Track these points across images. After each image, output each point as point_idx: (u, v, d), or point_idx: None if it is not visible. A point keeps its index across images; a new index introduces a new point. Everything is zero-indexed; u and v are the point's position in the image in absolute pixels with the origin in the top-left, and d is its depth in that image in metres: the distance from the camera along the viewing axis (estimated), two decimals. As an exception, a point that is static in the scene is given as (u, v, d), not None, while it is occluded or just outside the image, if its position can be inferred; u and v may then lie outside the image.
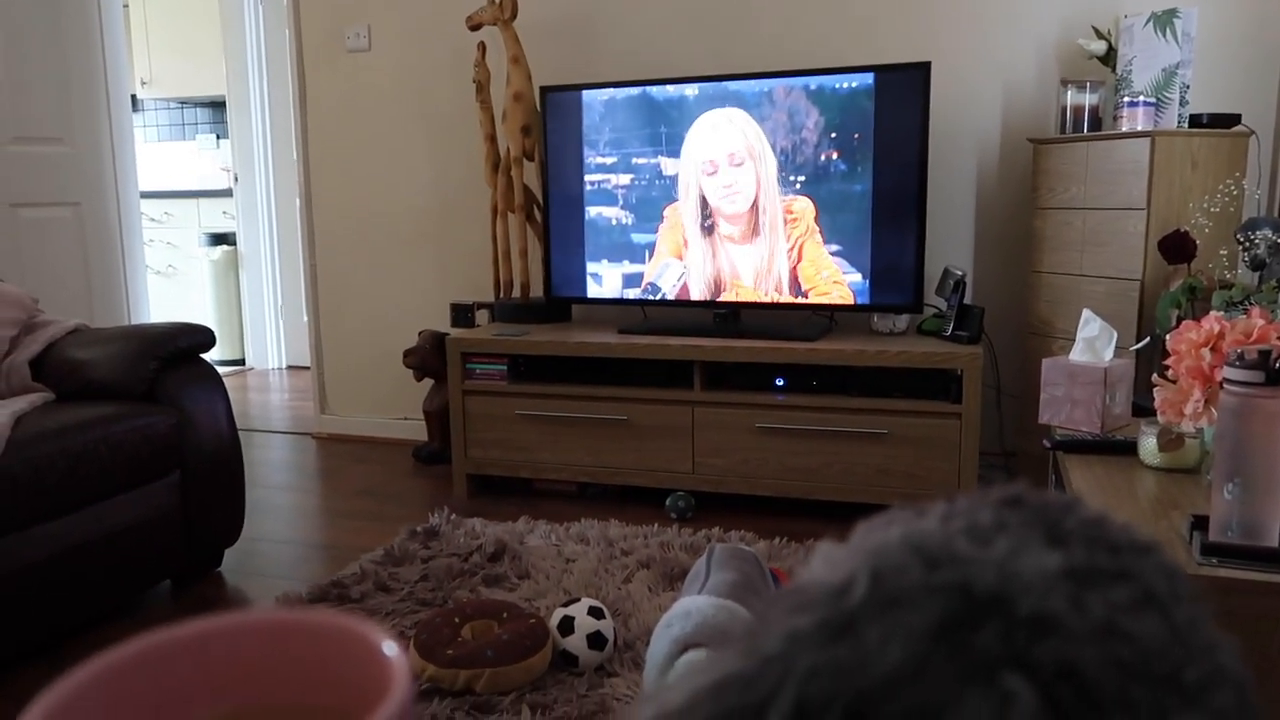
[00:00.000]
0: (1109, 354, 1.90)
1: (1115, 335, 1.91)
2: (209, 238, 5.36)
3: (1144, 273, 2.41)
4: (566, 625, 1.83)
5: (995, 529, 0.34)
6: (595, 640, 1.82)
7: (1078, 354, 1.92)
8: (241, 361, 5.39)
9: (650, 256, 2.97)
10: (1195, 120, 2.46)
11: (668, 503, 2.74)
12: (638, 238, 2.98)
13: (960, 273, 2.76)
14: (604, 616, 1.86)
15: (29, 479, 1.86)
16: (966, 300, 2.84)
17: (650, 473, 2.82)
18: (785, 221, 2.81)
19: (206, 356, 2.39)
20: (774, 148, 2.79)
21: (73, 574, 1.96)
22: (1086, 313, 1.95)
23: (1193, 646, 0.31)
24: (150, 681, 0.30)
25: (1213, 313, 1.55)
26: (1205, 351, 1.49)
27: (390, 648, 0.30)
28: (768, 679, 0.32)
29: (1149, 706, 0.30)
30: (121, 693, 0.30)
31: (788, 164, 2.79)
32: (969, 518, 0.35)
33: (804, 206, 2.78)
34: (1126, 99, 2.52)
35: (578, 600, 1.89)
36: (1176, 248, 2.25)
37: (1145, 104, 2.49)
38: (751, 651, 0.34)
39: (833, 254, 2.78)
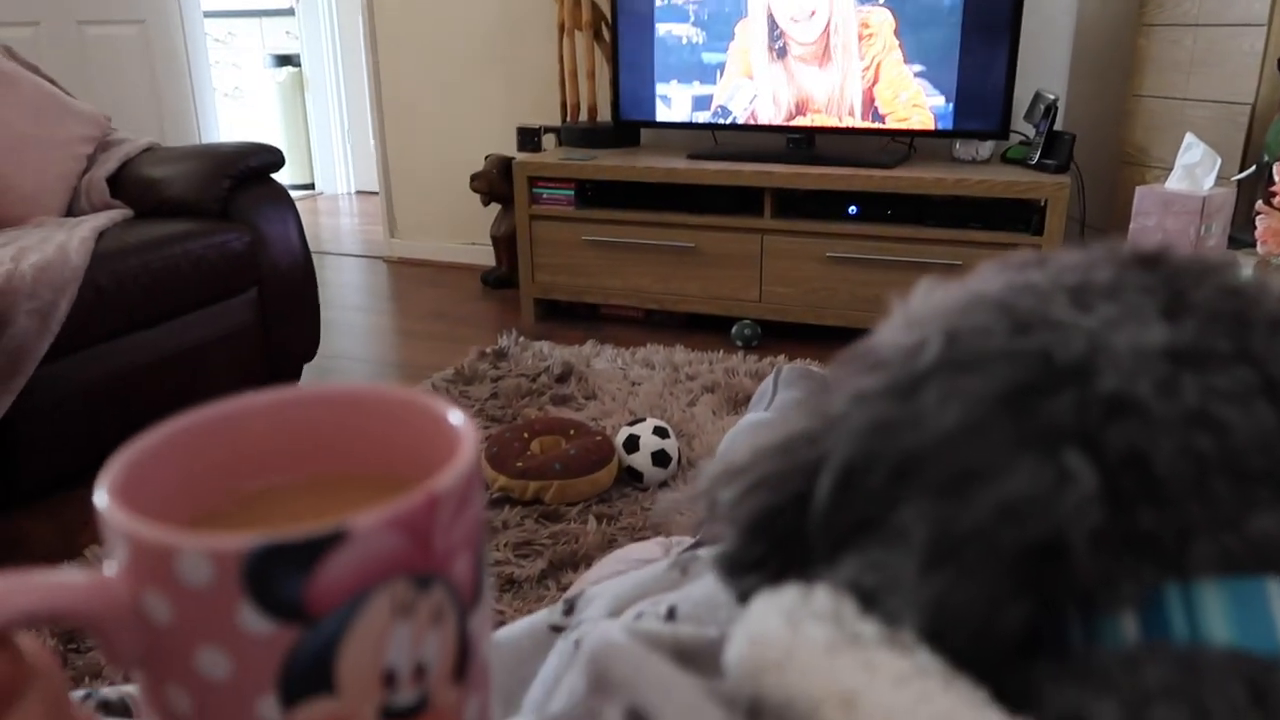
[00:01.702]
0: (1209, 182, 1.80)
1: (1219, 161, 1.80)
2: (274, 59, 5.29)
3: (1256, 98, 2.23)
4: (632, 443, 1.87)
5: (1107, 291, 0.31)
6: (659, 458, 1.86)
7: (1175, 181, 1.82)
8: (311, 186, 5.42)
9: (721, 77, 2.85)
10: (1334, -78, 2.21)
11: (733, 331, 2.73)
12: (708, 57, 2.85)
13: (1053, 96, 2.60)
14: (669, 436, 1.90)
15: (114, 291, 1.92)
16: (1057, 126, 2.68)
17: (717, 300, 2.81)
18: (860, 38, 2.65)
19: (275, 178, 2.40)
20: (859, -43, 2.60)
21: (159, 383, 2.05)
22: (1190, 137, 1.83)
23: None
24: (226, 445, 0.31)
25: (1331, 134, 1.44)
26: (1318, 176, 1.39)
27: (457, 416, 0.29)
28: (828, 438, 0.31)
29: (1233, 499, 0.27)
30: (198, 453, 0.30)
31: (873, -25, 2.60)
32: (1085, 274, 0.32)
33: (882, 19, 2.61)
34: (1257, -103, 2.26)
35: (643, 420, 1.93)
36: (1296, 67, 2.08)
37: (1279, -97, 2.24)
38: (818, 411, 0.33)
39: (915, 75, 2.63)
